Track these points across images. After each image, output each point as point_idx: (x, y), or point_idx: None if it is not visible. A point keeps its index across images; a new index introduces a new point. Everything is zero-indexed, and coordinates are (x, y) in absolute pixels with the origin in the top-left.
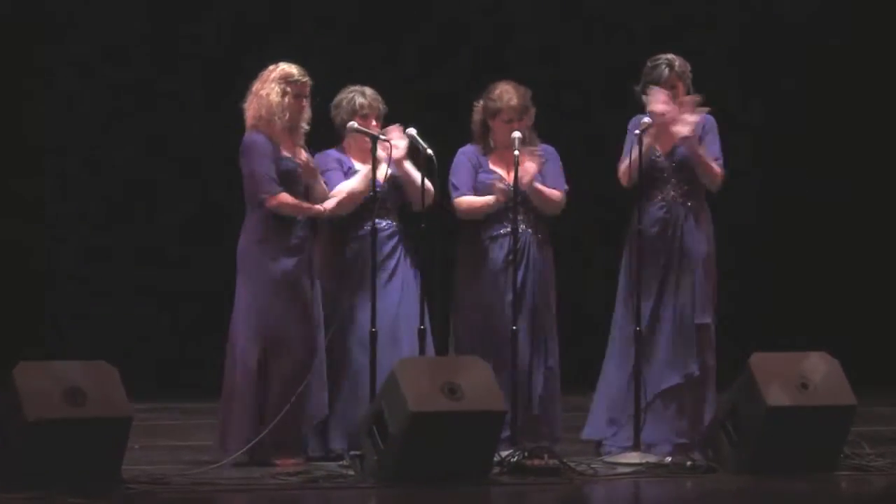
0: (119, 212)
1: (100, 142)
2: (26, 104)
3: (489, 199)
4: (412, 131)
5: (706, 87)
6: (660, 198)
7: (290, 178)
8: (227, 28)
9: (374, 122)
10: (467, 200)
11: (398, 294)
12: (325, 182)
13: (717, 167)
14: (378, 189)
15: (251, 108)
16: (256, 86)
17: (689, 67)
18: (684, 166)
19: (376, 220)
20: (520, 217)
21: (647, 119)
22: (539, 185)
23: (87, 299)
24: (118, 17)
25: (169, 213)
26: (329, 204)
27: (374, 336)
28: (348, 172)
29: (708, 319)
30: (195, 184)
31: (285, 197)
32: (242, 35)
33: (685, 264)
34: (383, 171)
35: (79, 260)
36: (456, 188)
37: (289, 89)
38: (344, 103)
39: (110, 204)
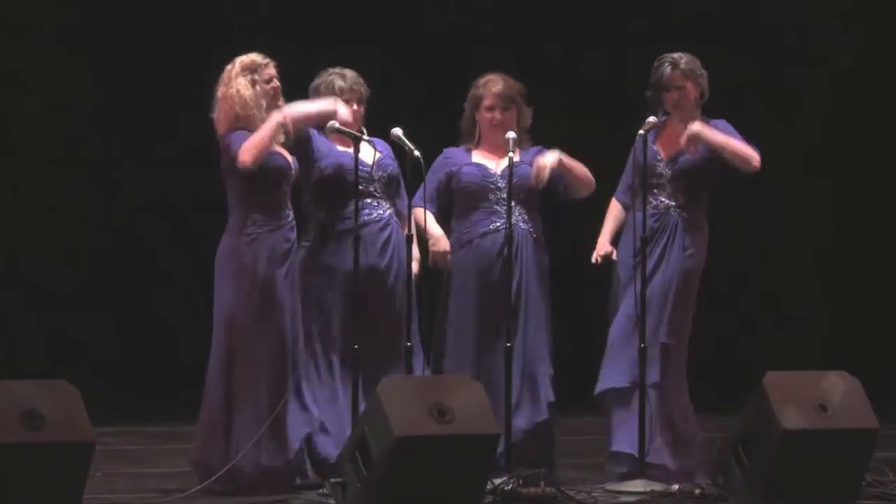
0: (87, 231)
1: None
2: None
3: (434, 236)
4: (398, 132)
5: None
6: (653, 205)
7: (280, 177)
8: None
9: (355, 107)
10: (419, 214)
11: (387, 302)
12: None
13: (748, 149)
14: (365, 170)
15: (222, 112)
16: (221, 90)
17: (699, 65)
18: (684, 175)
19: (365, 211)
20: (513, 211)
21: (652, 118)
22: (567, 161)
23: (48, 316)
24: None
25: (136, 231)
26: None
27: (356, 353)
28: (329, 153)
29: (671, 340)
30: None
31: (247, 142)
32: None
33: (662, 278)
34: (371, 152)
35: (41, 277)
36: (419, 197)
37: (256, 77)
38: (322, 87)
39: (79, 220)
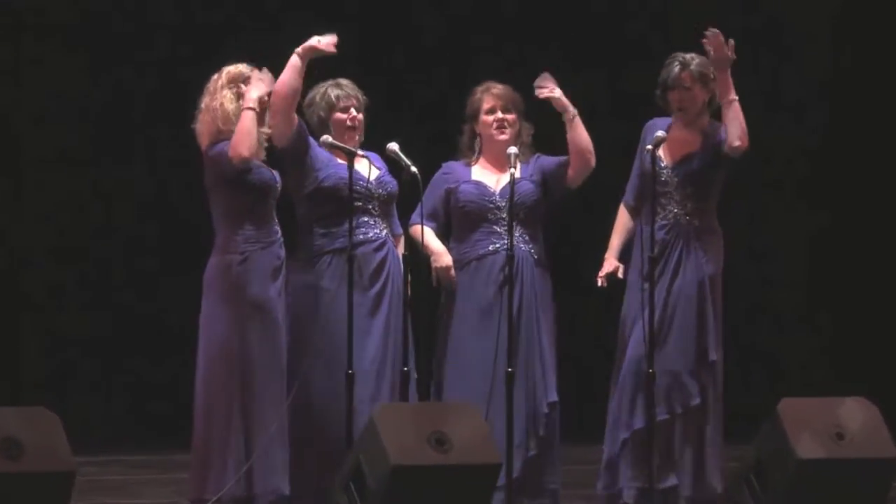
0: (71, 254)
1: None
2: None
3: (436, 252)
4: (394, 146)
5: None
6: (661, 216)
7: (266, 191)
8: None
9: (353, 113)
10: (417, 231)
11: (383, 325)
12: None
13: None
14: (363, 185)
15: (204, 125)
16: (206, 101)
17: (711, 69)
18: (691, 181)
19: (361, 230)
20: (514, 231)
21: (661, 133)
22: (578, 119)
23: (27, 343)
24: None
25: (118, 260)
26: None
27: (350, 378)
28: (328, 164)
29: (715, 356)
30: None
31: (233, 140)
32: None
33: (686, 292)
34: (367, 167)
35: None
36: (417, 214)
37: (242, 90)
38: (318, 99)
39: (60, 245)
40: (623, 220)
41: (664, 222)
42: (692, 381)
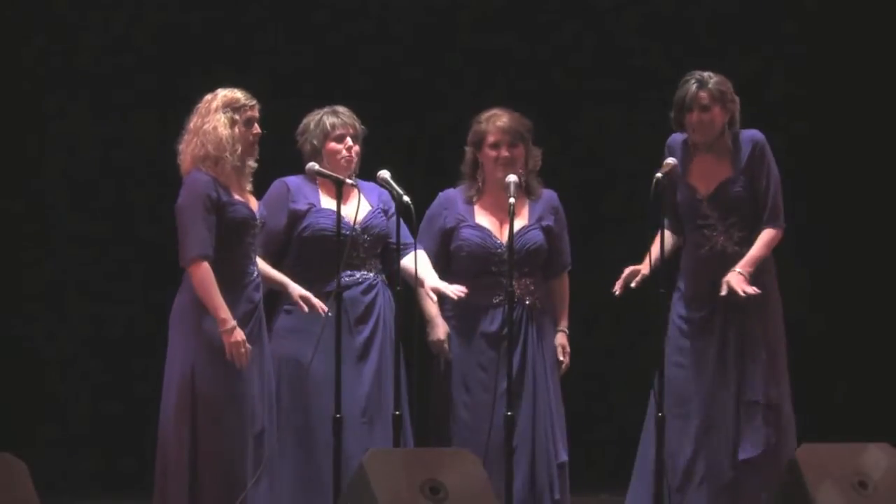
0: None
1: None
2: None
3: (430, 322)
4: (384, 174)
5: None
6: (707, 248)
7: (243, 229)
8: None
9: (349, 143)
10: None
11: (374, 372)
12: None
13: (773, 236)
14: (347, 231)
15: (191, 147)
16: (196, 121)
17: (730, 88)
18: (734, 209)
19: (348, 272)
20: (514, 283)
21: (671, 160)
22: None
23: None
24: None
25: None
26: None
27: (338, 423)
28: (308, 212)
29: (777, 399)
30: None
31: (206, 273)
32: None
33: (747, 330)
34: (354, 207)
35: None
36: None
37: (237, 117)
38: (312, 126)
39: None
40: (662, 237)
41: (710, 254)
42: (759, 425)
